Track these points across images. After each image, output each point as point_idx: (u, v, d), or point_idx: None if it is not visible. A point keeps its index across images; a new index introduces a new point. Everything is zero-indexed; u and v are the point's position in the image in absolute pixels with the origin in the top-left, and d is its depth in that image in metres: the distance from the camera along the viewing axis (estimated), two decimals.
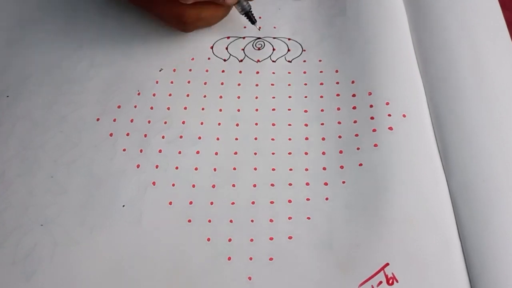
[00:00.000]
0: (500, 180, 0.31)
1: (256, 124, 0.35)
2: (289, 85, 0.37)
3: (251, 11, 0.38)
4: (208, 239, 0.31)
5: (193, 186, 0.33)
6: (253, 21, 0.39)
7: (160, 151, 0.35)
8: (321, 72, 0.37)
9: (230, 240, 0.31)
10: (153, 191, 0.33)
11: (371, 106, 0.35)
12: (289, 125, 0.35)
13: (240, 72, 0.38)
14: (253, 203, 0.32)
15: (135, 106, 0.37)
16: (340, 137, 0.34)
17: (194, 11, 0.35)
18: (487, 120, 0.33)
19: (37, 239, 0.31)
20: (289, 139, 0.35)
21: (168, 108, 0.37)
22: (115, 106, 0.37)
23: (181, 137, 0.35)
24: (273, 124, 0.35)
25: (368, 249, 0.30)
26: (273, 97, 0.37)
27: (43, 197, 0.33)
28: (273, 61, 0.39)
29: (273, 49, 0.39)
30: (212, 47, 0.40)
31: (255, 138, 0.35)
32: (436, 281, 0.29)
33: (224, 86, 0.37)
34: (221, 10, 0.37)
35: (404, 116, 0.34)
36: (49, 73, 0.38)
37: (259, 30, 0.40)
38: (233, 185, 0.33)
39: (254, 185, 0.33)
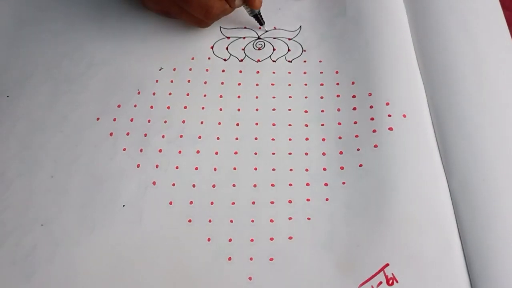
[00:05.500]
0: (501, 180, 0.31)
1: (257, 124, 0.36)
2: (289, 85, 0.37)
3: (260, 14, 0.39)
4: (209, 239, 0.31)
5: (193, 186, 0.33)
6: (261, 22, 0.40)
7: (160, 150, 0.35)
8: (321, 72, 0.37)
9: (230, 240, 0.31)
10: (153, 191, 0.33)
11: (371, 107, 0.35)
12: (290, 125, 0.35)
13: (240, 71, 0.38)
14: (253, 203, 0.32)
15: (135, 106, 0.37)
16: (340, 138, 0.34)
17: (220, 2, 0.36)
18: (488, 120, 0.33)
19: (37, 239, 0.31)
20: (290, 139, 0.35)
21: (168, 107, 0.37)
22: (115, 106, 0.37)
23: (181, 136, 0.35)
24: (273, 124, 0.35)
25: (368, 250, 0.30)
26: (274, 97, 0.37)
27: (43, 197, 0.33)
28: (273, 61, 0.39)
29: (273, 49, 0.39)
30: (212, 47, 0.39)
31: (256, 138, 0.35)
32: (436, 281, 0.29)
33: (224, 86, 0.37)
34: (229, 9, 0.37)
35: (404, 116, 0.34)
36: (49, 73, 0.38)
37: (266, 32, 0.40)
38: (234, 185, 0.33)
39: (255, 185, 0.33)
